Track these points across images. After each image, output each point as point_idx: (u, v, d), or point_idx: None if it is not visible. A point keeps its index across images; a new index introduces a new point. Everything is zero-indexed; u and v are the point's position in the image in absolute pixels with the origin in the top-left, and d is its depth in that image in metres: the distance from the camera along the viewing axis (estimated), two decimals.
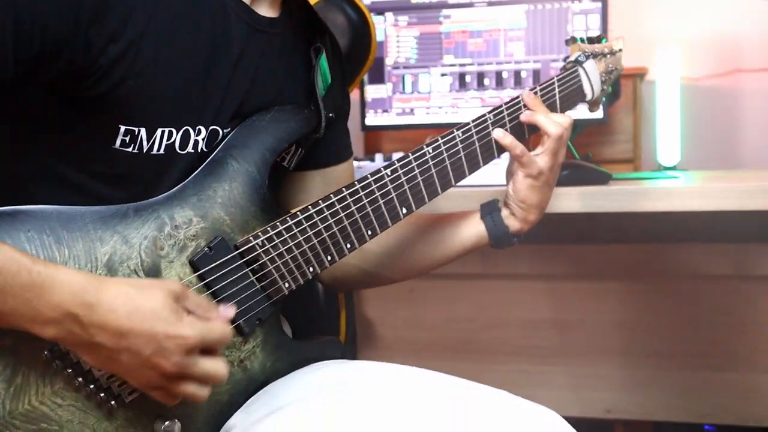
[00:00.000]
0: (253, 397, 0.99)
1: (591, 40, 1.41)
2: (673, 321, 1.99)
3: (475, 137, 1.15)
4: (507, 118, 1.18)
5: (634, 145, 2.11)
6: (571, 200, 1.44)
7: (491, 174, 1.42)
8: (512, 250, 1.26)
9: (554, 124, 1.16)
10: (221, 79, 0.98)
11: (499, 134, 1.16)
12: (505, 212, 1.20)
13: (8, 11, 0.81)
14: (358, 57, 1.34)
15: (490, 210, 1.21)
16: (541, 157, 1.15)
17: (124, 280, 0.85)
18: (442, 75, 2.00)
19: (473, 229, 1.22)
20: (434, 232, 1.24)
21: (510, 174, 1.21)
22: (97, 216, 0.87)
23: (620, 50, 1.43)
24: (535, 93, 1.20)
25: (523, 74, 1.98)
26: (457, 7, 1.99)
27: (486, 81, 1.99)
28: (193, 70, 0.95)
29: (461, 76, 2.00)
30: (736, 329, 1.96)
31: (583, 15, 1.95)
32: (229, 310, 0.88)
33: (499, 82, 1.99)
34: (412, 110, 2.02)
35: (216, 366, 0.85)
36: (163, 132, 0.93)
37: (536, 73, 1.97)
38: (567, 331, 2.03)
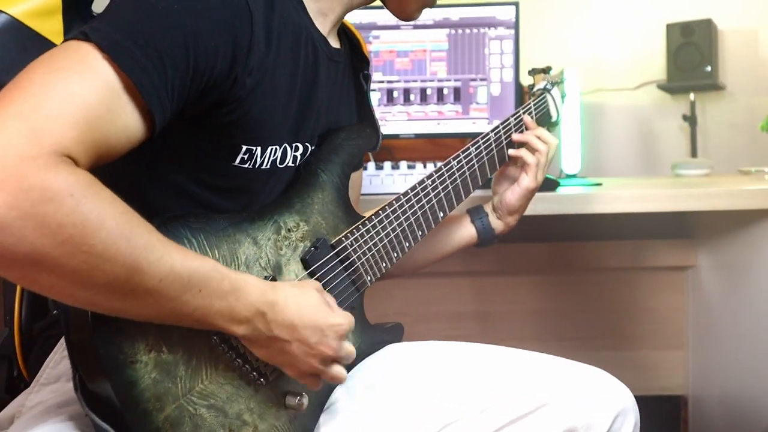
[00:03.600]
0: (348, 374, 1.14)
1: (544, 71, 1.65)
2: (579, 309, 2.27)
3: (484, 153, 1.35)
4: (503, 137, 1.39)
5: None
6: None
7: None
8: None
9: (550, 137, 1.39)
10: (311, 102, 1.10)
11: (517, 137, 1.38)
12: (492, 217, 1.41)
13: (189, 51, 0.87)
14: None
15: (479, 215, 1.42)
16: (541, 172, 1.37)
17: (286, 283, 0.98)
18: (372, 90, 2.17)
19: (464, 232, 1.42)
20: (431, 234, 1.42)
21: (502, 184, 1.42)
22: (232, 221, 0.99)
23: (565, 79, 1.68)
24: (512, 119, 1.42)
25: (445, 91, 2.17)
26: (386, 28, 2.14)
27: (412, 97, 2.17)
28: (294, 95, 1.06)
29: (389, 92, 2.16)
30: (631, 314, 2.27)
31: (499, 40, 2.17)
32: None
33: (423, 98, 2.17)
34: None
35: (351, 347, 1.01)
36: (272, 149, 1.04)
37: (457, 91, 2.18)
38: (488, 321, 2.27)
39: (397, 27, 2.16)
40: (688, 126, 2.90)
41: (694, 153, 2.88)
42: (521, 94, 2.23)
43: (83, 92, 0.80)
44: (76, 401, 0.94)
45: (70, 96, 0.78)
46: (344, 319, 0.98)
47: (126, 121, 0.84)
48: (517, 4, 2.14)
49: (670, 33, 2.86)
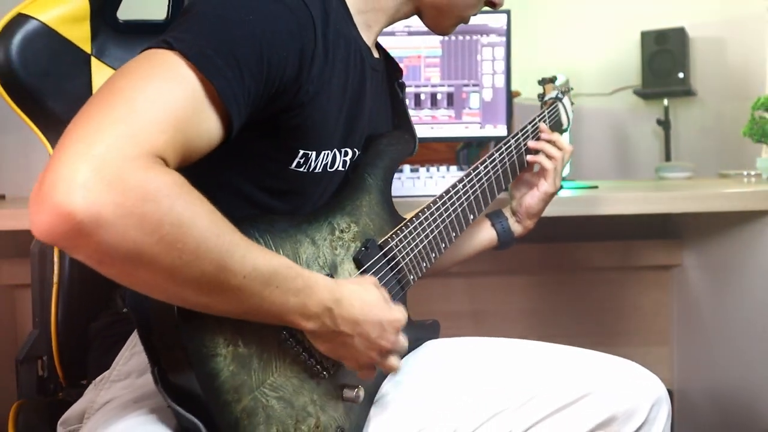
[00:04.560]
0: None
1: (552, 80, 1.73)
2: (569, 307, 2.35)
3: (506, 159, 1.42)
4: (522, 144, 1.46)
5: None
6: None
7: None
8: None
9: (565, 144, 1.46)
10: (359, 110, 1.16)
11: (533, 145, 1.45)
12: (511, 220, 1.48)
13: (263, 59, 0.92)
14: None
15: (499, 219, 1.48)
16: (558, 177, 1.44)
17: (347, 280, 1.03)
18: None
19: (485, 234, 1.49)
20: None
21: (520, 189, 1.48)
22: (293, 222, 1.04)
23: (572, 88, 1.75)
24: (529, 126, 1.49)
25: (439, 96, 2.23)
26: (381, 35, 2.18)
27: (406, 101, 2.23)
28: (345, 102, 1.11)
29: None
30: (619, 311, 2.36)
31: (491, 47, 2.24)
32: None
33: (418, 102, 2.21)
34: None
35: (405, 341, 1.06)
36: (324, 154, 1.09)
37: (450, 96, 2.24)
38: (482, 320, 2.33)
39: (392, 33, 2.21)
40: (662, 130, 3.00)
41: (668, 156, 2.98)
42: (511, 99, 2.30)
43: (172, 98, 0.84)
44: (152, 396, 0.98)
45: (160, 102, 0.82)
46: (401, 315, 1.04)
47: (207, 126, 0.88)
48: (508, 12, 2.20)
49: (645, 40, 2.97)
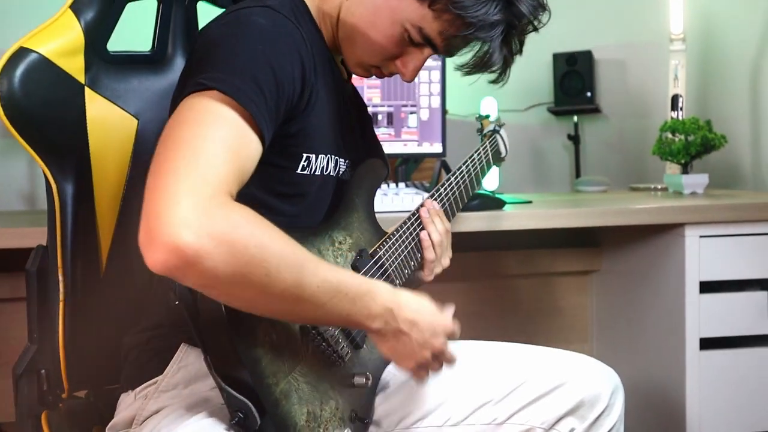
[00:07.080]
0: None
1: (487, 117, 1.93)
2: (499, 310, 2.55)
3: (461, 184, 1.58)
4: (472, 170, 1.63)
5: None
6: (481, 222, 1.97)
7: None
8: None
9: (437, 232, 1.46)
10: (343, 117, 1.32)
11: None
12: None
13: (277, 80, 1.08)
14: None
15: None
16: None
17: (404, 290, 1.19)
18: None
19: None
20: None
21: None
22: (304, 236, 1.19)
23: (504, 123, 1.94)
24: (475, 154, 1.65)
25: (380, 116, 2.41)
26: None
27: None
28: (332, 111, 1.27)
29: None
30: (544, 313, 2.58)
31: (427, 71, 2.43)
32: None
33: None
34: None
35: (453, 353, 1.23)
36: (321, 157, 1.24)
37: (390, 116, 2.42)
38: None
39: None
40: (572, 145, 3.26)
41: (578, 170, 3.24)
42: (445, 118, 2.48)
43: (223, 135, 1.00)
44: (202, 404, 1.14)
45: (217, 141, 0.99)
46: (449, 320, 1.21)
47: (252, 148, 1.05)
48: None
49: (557, 62, 3.22)
